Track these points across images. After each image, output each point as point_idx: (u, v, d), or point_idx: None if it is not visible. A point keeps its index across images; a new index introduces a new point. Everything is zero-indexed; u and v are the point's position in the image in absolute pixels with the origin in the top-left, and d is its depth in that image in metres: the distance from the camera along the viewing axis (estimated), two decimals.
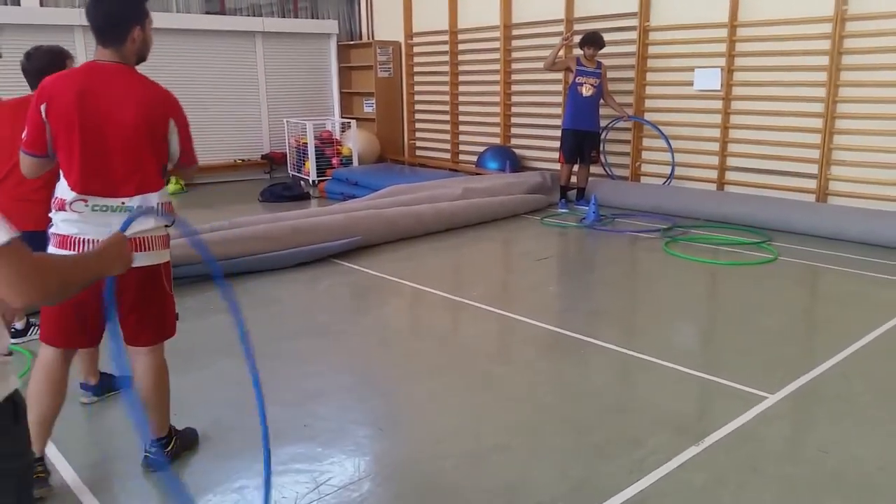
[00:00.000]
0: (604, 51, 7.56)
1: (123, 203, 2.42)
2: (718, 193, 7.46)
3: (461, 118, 10.25)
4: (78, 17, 8.74)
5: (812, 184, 6.95)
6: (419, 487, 2.63)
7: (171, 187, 9.32)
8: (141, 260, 2.35)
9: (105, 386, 3.22)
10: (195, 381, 3.50)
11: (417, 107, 10.89)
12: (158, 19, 10.64)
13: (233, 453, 2.83)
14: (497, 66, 9.47)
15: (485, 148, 9.45)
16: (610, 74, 7.74)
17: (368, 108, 11.00)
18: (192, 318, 4.45)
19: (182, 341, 4.10)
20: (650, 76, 8.07)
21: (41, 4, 8.72)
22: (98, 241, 2.17)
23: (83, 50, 8.71)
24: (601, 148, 8.12)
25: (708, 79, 7.48)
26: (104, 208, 2.40)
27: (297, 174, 10.01)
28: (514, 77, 9.44)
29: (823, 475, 2.66)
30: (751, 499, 2.51)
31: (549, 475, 2.67)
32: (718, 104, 7.48)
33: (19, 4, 8.58)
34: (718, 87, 7.42)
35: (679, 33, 7.70)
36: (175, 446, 2.76)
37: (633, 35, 7.96)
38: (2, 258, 1.30)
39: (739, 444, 2.86)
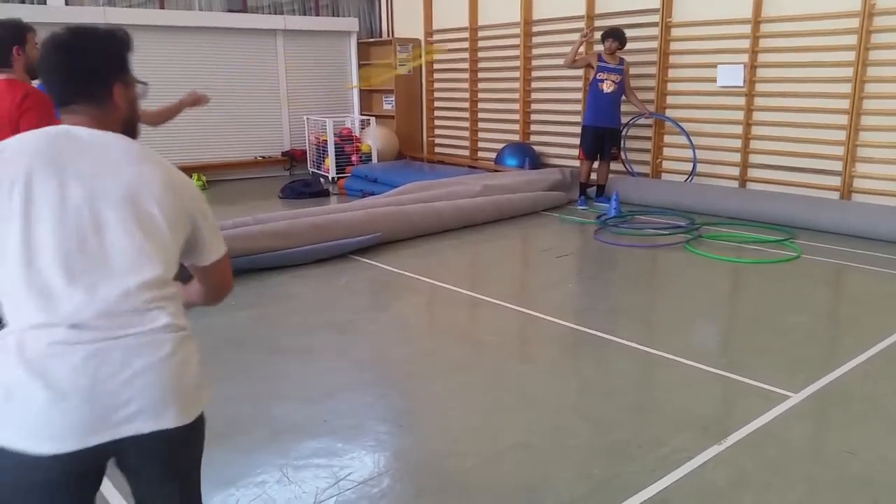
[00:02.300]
0: (625, 47, 7.50)
1: None
2: (741, 191, 7.38)
3: (480, 115, 10.23)
4: (103, 15, 8.85)
5: (836, 181, 6.86)
6: (439, 484, 2.63)
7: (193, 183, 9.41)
8: None
9: None
10: (216, 376, 3.52)
11: (437, 104, 10.88)
12: (181, 17, 10.78)
13: (253, 447, 2.85)
14: (517, 63, 9.43)
15: (504, 145, 9.43)
16: (631, 71, 7.68)
17: (388, 105, 11.02)
18: (214, 313, 4.48)
19: (203, 336, 4.15)
20: (672, 72, 7.99)
21: (66, 3, 8.83)
22: None
23: None
24: (622, 145, 8.06)
25: (731, 75, 7.39)
26: None
27: (316, 171, 10.05)
28: (534, 74, 9.40)
29: (849, 476, 2.63)
30: (774, 499, 2.48)
31: (570, 474, 2.66)
32: (741, 101, 7.39)
33: (45, 3, 8.69)
34: (741, 84, 7.34)
35: (701, 29, 7.62)
36: None
37: (655, 31, 7.89)
38: (226, 260, 1.71)
39: (762, 444, 2.83)
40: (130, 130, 1.62)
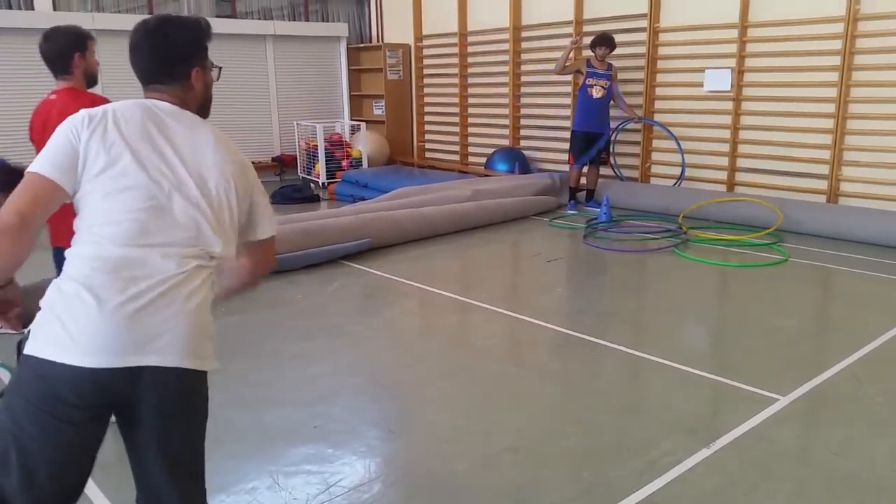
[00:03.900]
0: (614, 52, 7.55)
1: None
2: (729, 195, 7.42)
3: (470, 120, 10.25)
4: (92, 21, 8.81)
5: (823, 184, 6.91)
6: (430, 489, 2.64)
7: None
8: None
9: None
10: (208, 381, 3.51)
11: (427, 109, 10.90)
12: None
13: (245, 454, 2.84)
14: (506, 68, 9.47)
15: (494, 150, 9.46)
16: (620, 76, 7.73)
17: (378, 110, 11.03)
18: None
19: None
20: (660, 77, 8.05)
21: (54, 8, 8.80)
22: None
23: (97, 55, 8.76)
24: (611, 149, 8.10)
25: (718, 80, 7.45)
26: None
27: (307, 176, 10.04)
28: (524, 79, 9.44)
29: (836, 477, 2.65)
30: (763, 501, 2.50)
31: (560, 477, 2.67)
32: (729, 105, 7.45)
33: (33, 8, 8.66)
34: (729, 88, 7.40)
35: (689, 34, 7.67)
36: None
37: (643, 36, 7.94)
38: (273, 241, 1.88)
39: (751, 447, 2.85)
40: (203, 111, 1.82)
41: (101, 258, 1.55)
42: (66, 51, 3.02)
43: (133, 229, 1.57)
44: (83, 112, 1.64)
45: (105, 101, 3.07)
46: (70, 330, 1.49)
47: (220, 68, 1.86)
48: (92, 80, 3.13)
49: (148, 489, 1.66)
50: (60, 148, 1.59)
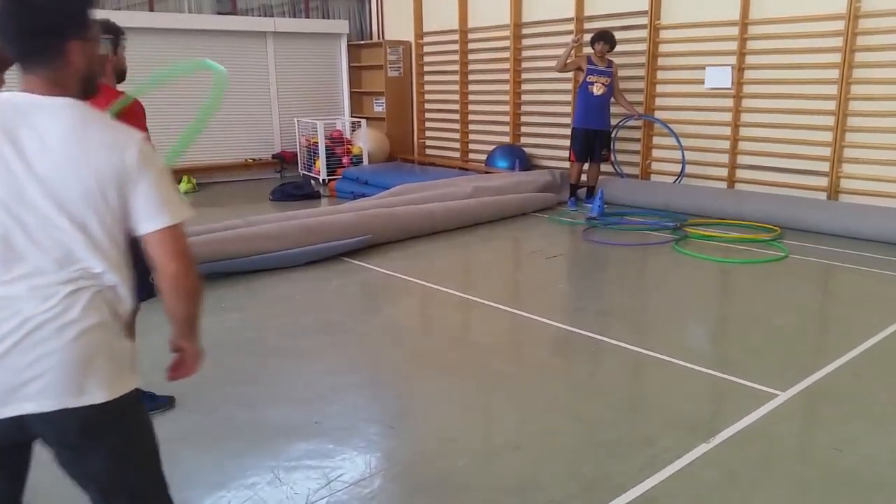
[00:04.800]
0: (615, 49, 7.55)
1: None
2: (729, 191, 7.43)
3: (471, 117, 10.25)
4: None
5: (823, 181, 6.91)
6: (430, 485, 2.64)
7: (183, 186, 9.37)
8: None
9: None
10: (209, 379, 3.52)
11: (427, 106, 10.90)
12: (171, 20, 10.73)
13: (245, 450, 2.85)
14: (507, 65, 9.46)
15: (494, 146, 9.46)
16: (620, 73, 7.73)
17: (378, 107, 11.02)
18: (205, 316, 4.49)
19: None
20: (661, 74, 8.04)
21: None
22: None
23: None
24: (612, 146, 8.10)
25: (719, 77, 7.44)
26: None
27: (307, 173, 10.04)
28: (524, 76, 9.43)
29: (836, 473, 2.66)
30: (762, 497, 2.51)
31: (561, 473, 2.67)
32: (729, 102, 7.44)
33: None
34: (729, 86, 7.39)
35: (690, 31, 7.66)
36: None
37: (644, 33, 7.93)
38: (179, 229, 1.52)
39: (751, 442, 2.86)
40: (86, 90, 1.54)
41: None
42: None
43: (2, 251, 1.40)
44: None
45: (134, 103, 3.00)
46: None
47: (115, 37, 1.60)
48: (122, 76, 3.07)
49: None
50: None
